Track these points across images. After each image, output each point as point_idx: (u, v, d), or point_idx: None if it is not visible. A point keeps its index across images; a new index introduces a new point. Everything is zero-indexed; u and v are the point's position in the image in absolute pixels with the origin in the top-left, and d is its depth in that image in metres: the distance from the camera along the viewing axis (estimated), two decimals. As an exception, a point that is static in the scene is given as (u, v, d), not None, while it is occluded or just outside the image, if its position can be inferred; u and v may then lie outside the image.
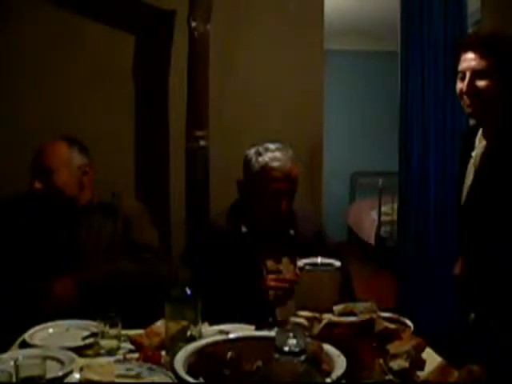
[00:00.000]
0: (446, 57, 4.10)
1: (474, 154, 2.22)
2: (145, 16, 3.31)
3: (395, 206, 5.33)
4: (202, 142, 3.10)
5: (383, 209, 6.55)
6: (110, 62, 3.27)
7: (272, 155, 2.20)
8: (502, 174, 2.08)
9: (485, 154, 2.16)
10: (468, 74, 2.11)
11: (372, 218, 6.79)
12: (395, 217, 5.26)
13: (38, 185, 2.32)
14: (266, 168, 2.20)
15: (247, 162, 2.26)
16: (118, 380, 1.48)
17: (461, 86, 2.15)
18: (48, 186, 2.33)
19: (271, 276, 2.15)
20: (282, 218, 2.24)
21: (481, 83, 2.09)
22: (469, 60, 2.12)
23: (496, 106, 2.11)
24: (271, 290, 2.12)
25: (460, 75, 2.16)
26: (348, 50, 7.52)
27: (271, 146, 2.23)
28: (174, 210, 3.28)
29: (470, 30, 4.27)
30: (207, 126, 3.12)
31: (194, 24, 3.06)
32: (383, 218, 6.54)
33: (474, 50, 2.11)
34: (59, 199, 2.35)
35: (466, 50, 2.15)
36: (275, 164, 2.19)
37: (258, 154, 2.22)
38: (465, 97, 2.14)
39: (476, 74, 2.09)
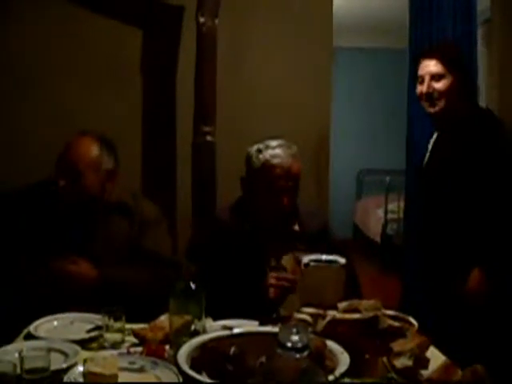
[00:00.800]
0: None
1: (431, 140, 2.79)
2: (153, 11, 3.31)
3: (401, 204, 5.31)
4: (208, 138, 3.11)
5: (389, 207, 6.54)
6: (118, 57, 3.27)
7: (272, 152, 2.21)
8: (444, 155, 2.63)
9: (435, 141, 2.76)
10: (427, 78, 2.65)
11: (378, 215, 6.79)
12: (401, 215, 5.25)
13: (62, 183, 2.26)
14: (266, 165, 2.21)
15: (248, 159, 2.27)
16: (121, 373, 1.49)
17: (420, 88, 2.67)
18: (73, 185, 2.27)
19: (272, 274, 2.15)
20: (286, 214, 2.24)
21: (437, 85, 2.62)
22: (427, 66, 2.66)
23: (448, 103, 2.61)
24: (271, 287, 2.13)
25: (419, 79, 2.70)
26: (356, 47, 7.51)
27: (272, 143, 2.24)
28: (181, 204, 3.28)
29: (479, 29, 4.26)
30: (214, 122, 3.12)
31: (202, 19, 3.06)
32: (389, 215, 6.52)
33: (431, 58, 2.65)
34: (81, 199, 2.29)
35: (424, 58, 2.70)
36: (275, 161, 2.20)
37: (259, 151, 2.24)
38: (424, 97, 2.66)
39: (433, 77, 2.63)
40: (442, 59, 2.63)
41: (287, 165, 2.20)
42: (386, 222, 6.52)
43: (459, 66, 2.67)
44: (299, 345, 0.90)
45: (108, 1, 3.28)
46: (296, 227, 2.30)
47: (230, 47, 3.30)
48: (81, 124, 3.10)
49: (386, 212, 6.54)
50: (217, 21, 3.10)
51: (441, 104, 2.63)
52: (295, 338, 0.91)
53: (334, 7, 3.47)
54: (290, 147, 2.25)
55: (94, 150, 2.31)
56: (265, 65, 3.39)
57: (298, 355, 0.90)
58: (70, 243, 2.27)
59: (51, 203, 2.32)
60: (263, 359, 1.37)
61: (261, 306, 2.06)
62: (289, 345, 0.90)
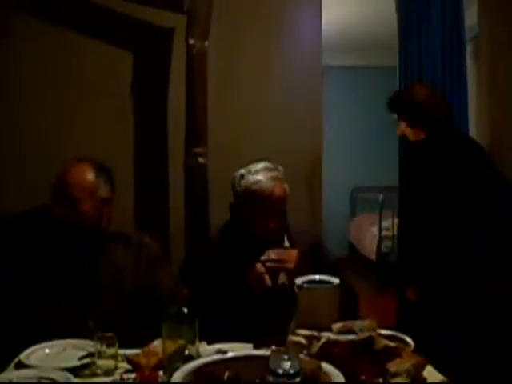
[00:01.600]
0: (444, 72, 4.11)
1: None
2: (143, 33, 3.32)
3: (396, 220, 5.31)
4: (200, 159, 3.10)
5: (383, 224, 6.52)
6: (109, 79, 3.27)
7: (253, 178, 2.23)
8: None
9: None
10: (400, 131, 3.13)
11: (373, 233, 6.77)
12: (396, 232, 5.24)
13: (58, 211, 2.23)
14: (248, 191, 2.23)
15: (233, 184, 2.30)
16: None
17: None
18: (69, 212, 2.23)
19: (257, 264, 2.16)
20: (274, 236, 2.25)
21: (409, 136, 3.09)
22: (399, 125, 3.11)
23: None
24: (263, 275, 2.14)
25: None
26: (347, 65, 7.55)
27: (254, 168, 2.25)
28: (173, 226, 3.27)
29: (467, 45, 4.29)
30: (206, 143, 3.12)
31: (192, 41, 3.06)
32: (384, 233, 6.51)
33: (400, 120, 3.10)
34: (78, 226, 2.24)
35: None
36: (256, 187, 2.21)
37: (241, 177, 2.26)
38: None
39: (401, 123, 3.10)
40: (409, 122, 3.06)
41: (269, 189, 2.21)
42: (381, 239, 6.50)
43: (425, 120, 3.02)
44: (291, 371, 0.88)
45: (98, 24, 3.29)
46: (286, 244, 2.30)
47: (221, 69, 3.30)
48: (72, 148, 3.13)
49: (380, 229, 6.53)
50: (207, 43, 3.10)
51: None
52: (287, 364, 0.89)
53: (323, 26, 3.48)
54: (274, 170, 2.26)
55: (89, 177, 2.27)
56: (255, 86, 3.40)
57: (290, 382, 0.89)
58: (69, 271, 2.23)
59: (48, 230, 2.28)
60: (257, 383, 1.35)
61: (256, 324, 2.04)
62: (280, 372, 0.89)
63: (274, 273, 2.17)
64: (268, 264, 2.16)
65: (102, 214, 2.30)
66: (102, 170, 2.32)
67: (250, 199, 2.22)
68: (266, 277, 2.15)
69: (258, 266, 2.16)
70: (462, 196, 2.85)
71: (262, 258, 2.17)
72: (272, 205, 2.21)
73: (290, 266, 2.16)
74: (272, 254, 2.18)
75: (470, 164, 2.91)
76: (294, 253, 2.21)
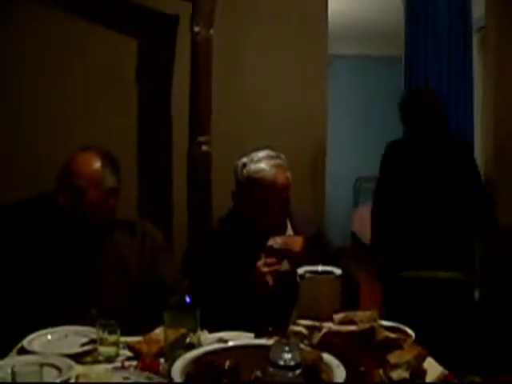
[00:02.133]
0: (449, 63, 4.09)
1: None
2: (148, 21, 3.30)
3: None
4: (204, 148, 3.09)
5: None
6: (113, 67, 3.26)
7: (255, 167, 2.22)
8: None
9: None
10: None
11: (376, 223, 6.74)
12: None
13: (64, 200, 2.21)
14: (250, 179, 2.23)
15: (235, 173, 2.29)
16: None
17: None
18: (75, 202, 2.21)
19: (259, 263, 2.15)
20: (277, 224, 2.25)
21: None
22: None
23: None
24: (267, 275, 2.13)
25: None
26: (352, 54, 7.51)
27: (256, 156, 2.25)
28: (176, 215, 3.26)
29: (474, 36, 4.27)
30: (210, 132, 3.11)
31: (196, 29, 3.05)
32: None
33: None
34: (83, 215, 2.24)
35: None
36: (259, 175, 2.21)
37: (244, 165, 2.25)
38: None
39: None
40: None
41: (271, 177, 2.21)
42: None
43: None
44: (292, 363, 0.88)
45: (103, 11, 3.27)
46: (290, 232, 2.31)
47: (226, 57, 3.29)
48: (76, 135, 3.13)
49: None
50: (212, 31, 3.09)
51: None
52: (287, 356, 0.89)
53: (329, 15, 3.46)
54: (276, 157, 2.26)
55: (95, 167, 2.25)
56: (260, 74, 3.38)
57: (290, 374, 0.88)
58: (74, 259, 2.23)
59: (53, 217, 2.27)
60: (258, 373, 1.36)
61: (258, 313, 2.05)
62: (281, 363, 0.88)
63: (275, 272, 2.15)
64: (275, 246, 2.16)
65: (107, 204, 2.29)
66: (108, 159, 2.31)
67: (252, 187, 2.22)
68: (268, 276, 2.14)
69: (260, 264, 2.15)
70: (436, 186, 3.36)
71: (269, 242, 2.17)
72: (275, 193, 2.21)
73: (297, 249, 2.16)
74: (278, 239, 2.18)
75: (447, 161, 3.40)
76: (299, 239, 2.22)
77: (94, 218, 2.26)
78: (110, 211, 2.32)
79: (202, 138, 3.08)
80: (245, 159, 2.27)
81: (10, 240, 2.27)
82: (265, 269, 2.14)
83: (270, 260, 2.15)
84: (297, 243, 2.19)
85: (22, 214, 2.34)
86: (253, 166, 2.23)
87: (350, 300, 1.96)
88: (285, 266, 2.20)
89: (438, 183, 3.35)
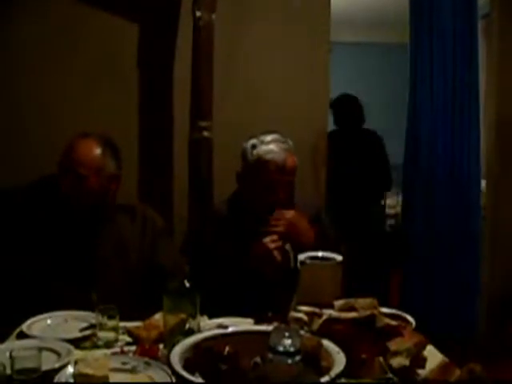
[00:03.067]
0: (454, 51, 4.06)
1: None
2: (149, 5, 3.27)
3: (400, 198, 5.29)
4: (205, 133, 3.07)
5: (388, 202, 6.50)
6: (114, 51, 3.23)
7: (266, 148, 2.23)
8: None
9: None
10: None
11: (377, 210, 6.76)
12: (399, 210, 5.24)
13: (65, 186, 2.21)
14: (260, 161, 2.23)
15: (243, 154, 2.29)
16: (113, 374, 1.46)
17: None
18: (76, 188, 2.21)
19: (266, 239, 2.16)
20: (283, 206, 2.24)
21: None
22: None
23: None
24: (274, 251, 2.14)
25: None
26: (355, 41, 7.45)
27: (266, 138, 2.25)
28: (177, 200, 3.25)
29: (479, 23, 4.23)
30: (211, 117, 3.09)
31: (198, 13, 3.02)
32: (388, 210, 6.48)
33: None
34: (84, 201, 2.23)
35: None
36: (269, 156, 2.21)
37: (253, 146, 2.26)
38: None
39: None
40: None
41: (281, 160, 2.21)
42: (385, 217, 6.48)
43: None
44: (291, 349, 0.87)
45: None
46: None
47: (227, 42, 3.26)
48: (77, 121, 3.11)
49: (384, 207, 6.50)
50: (214, 16, 3.06)
51: None
52: (287, 342, 0.88)
53: (332, 1, 3.43)
54: (285, 142, 2.26)
55: (97, 153, 2.25)
56: (262, 60, 3.35)
57: (289, 360, 0.87)
58: (74, 243, 2.22)
59: (54, 201, 2.26)
60: (257, 359, 1.35)
61: (259, 297, 2.05)
62: (280, 349, 0.87)
63: (282, 249, 2.16)
64: (281, 222, 2.17)
65: (108, 190, 2.29)
66: (108, 146, 2.30)
67: (261, 168, 2.22)
68: (276, 252, 2.14)
69: (267, 240, 2.15)
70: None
71: (275, 215, 2.18)
72: (283, 175, 2.22)
73: (304, 224, 2.18)
74: (286, 214, 2.19)
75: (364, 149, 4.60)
76: (303, 218, 2.23)
77: (95, 203, 2.26)
78: (111, 197, 2.32)
79: (203, 124, 3.06)
80: (254, 140, 2.27)
81: (11, 224, 2.26)
82: (272, 245, 2.14)
83: (275, 237, 2.16)
84: (302, 219, 2.21)
85: (24, 198, 2.33)
86: (263, 148, 2.23)
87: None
88: (285, 247, 2.20)
89: (358, 163, 4.51)
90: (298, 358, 0.90)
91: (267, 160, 2.21)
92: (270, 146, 2.23)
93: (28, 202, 2.31)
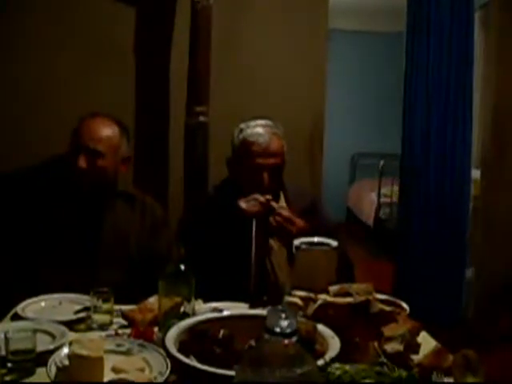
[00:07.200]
0: (451, 40, 4.06)
1: None
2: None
3: (395, 188, 5.31)
4: (201, 118, 3.07)
5: (383, 190, 6.52)
6: (110, 35, 3.20)
7: (251, 131, 2.24)
8: None
9: None
10: None
11: (371, 199, 6.77)
12: (394, 199, 5.26)
13: (82, 163, 2.17)
14: (245, 143, 2.24)
15: (232, 139, 2.30)
16: (107, 355, 1.46)
17: None
18: (92, 165, 2.19)
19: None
20: (268, 192, 2.21)
21: None
22: None
23: None
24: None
25: None
26: (351, 30, 7.43)
27: (254, 123, 2.27)
28: (173, 185, 3.25)
29: (476, 13, 4.23)
30: (207, 102, 3.08)
31: (196, -3, 3.01)
32: (382, 199, 6.51)
33: None
34: (97, 180, 2.22)
35: None
36: (253, 138, 2.22)
37: (240, 130, 2.27)
38: None
39: None
40: None
41: (265, 142, 2.21)
42: (380, 205, 6.50)
43: None
44: (288, 330, 0.87)
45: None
46: (283, 203, 2.30)
47: (225, 28, 3.24)
48: (69, 105, 3.09)
49: (379, 196, 6.53)
50: (211, 0, 3.04)
51: None
52: (284, 322, 0.88)
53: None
54: (274, 126, 2.27)
55: (115, 133, 2.26)
56: (259, 46, 3.34)
57: (286, 341, 0.88)
58: (76, 227, 2.22)
59: (62, 181, 2.25)
60: (252, 342, 1.36)
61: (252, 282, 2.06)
62: (277, 330, 0.87)
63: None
64: (277, 218, 2.16)
65: (118, 171, 2.29)
66: (123, 127, 2.32)
67: (245, 151, 2.23)
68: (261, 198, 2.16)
69: (257, 196, 2.16)
70: None
71: (275, 205, 2.18)
72: (268, 158, 2.21)
73: (294, 228, 2.15)
74: (284, 211, 2.18)
75: None
76: (301, 222, 2.18)
77: (105, 185, 2.26)
78: (115, 182, 2.32)
79: (199, 109, 3.05)
80: (242, 125, 2.29)
81: (18, 205, 2.25)
82: (261, 198, 2.17)
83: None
84: (298, 222, 2.17)
85: (33, 180, 2.31)
86: (249, 131, 2.25)
87: (343, 274, 1.95)
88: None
89: None
90: (294, 338, 0.90)
91: (251, 142, 2.22)
92: (255, 129, 2.24)
93: (37, 183, 2.29)
